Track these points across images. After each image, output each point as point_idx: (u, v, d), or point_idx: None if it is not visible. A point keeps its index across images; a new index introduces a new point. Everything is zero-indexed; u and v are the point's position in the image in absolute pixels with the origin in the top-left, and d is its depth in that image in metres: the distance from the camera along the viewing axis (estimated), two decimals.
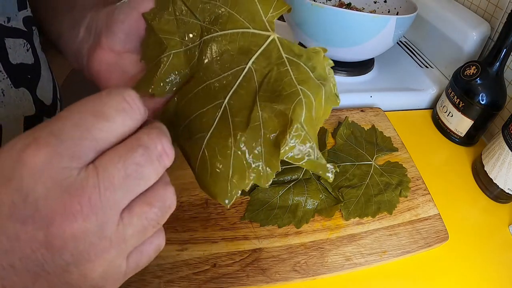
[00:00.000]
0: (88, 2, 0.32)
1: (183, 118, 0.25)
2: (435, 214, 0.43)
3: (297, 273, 0.36)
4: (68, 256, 0.15)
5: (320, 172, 0.23)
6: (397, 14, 0.69)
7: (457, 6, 0.65)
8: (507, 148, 0.43)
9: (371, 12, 0.70)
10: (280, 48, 0.24)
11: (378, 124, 0.55)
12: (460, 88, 0.53)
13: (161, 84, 0.25)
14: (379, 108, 0.59)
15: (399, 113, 0.62)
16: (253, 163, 0.22)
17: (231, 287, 0.34)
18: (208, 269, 0.35)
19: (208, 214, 0.40)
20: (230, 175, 0.22)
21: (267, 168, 0.22)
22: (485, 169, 0.48)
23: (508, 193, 0.46)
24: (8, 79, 0.28)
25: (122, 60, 0.28)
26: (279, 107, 0.22)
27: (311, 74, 0.24)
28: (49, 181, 0.14)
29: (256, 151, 0.22)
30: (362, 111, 0.58)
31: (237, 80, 0.24)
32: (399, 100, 0.64)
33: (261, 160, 0.22)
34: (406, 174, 0.46)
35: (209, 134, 0.23)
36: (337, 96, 0.25)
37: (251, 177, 0.22)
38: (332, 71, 0.25)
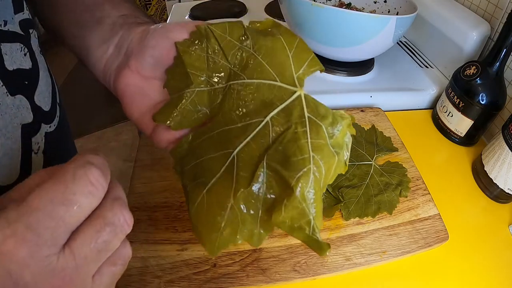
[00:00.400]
0: (118, 19, 0.31)
1: (193, 158, 0.24)
2: (435, 214, 0.43)
3: (297, 273, 0.36)
4: None
5: (314, 250, 0.21)
6: (397, 14, 0.69)
7: (457, 6, 0.65)
8: (507, 148, 0.43)
9: (371, 12, 0.70)
10: (304, 106, 0.23)
11: (378, 124, 0.55)
12: (460, 88, 0.53)
13: (180, 119, 0.25)
14: (379, 108, 0.59)
15: (399, 113, 0.62)
16: (247, 221, 0.21)
17: (231, 287, 0.34)
18: (208, 269, 0.35)
19: None
20: (222, 227, 0.21)
21: (261, 229, 0.22)
22: (485, 169, 0.48)
23: (508, 193, 0.46)
24: (4, 87, 0.27)
25: (148, 85, 0.29)
26: (284, 173, 0.21)
27: (328, 140, 0.23)
28: (35, 269, 0.16)
29: (253, 210, 0.22)
30: (362, 111, 0.58)
31: (252, 132, 0.23)
32: (399, 100, 0.64)
33: (256, 220, 0.22)
34: (406, 174, 0.46)
35: (213, 181, 0.23)
36: (346, 164, 0.24)
37: (243, 234, 0.21)
38: (351, 140, 0.24)
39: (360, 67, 0.67)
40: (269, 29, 0.26)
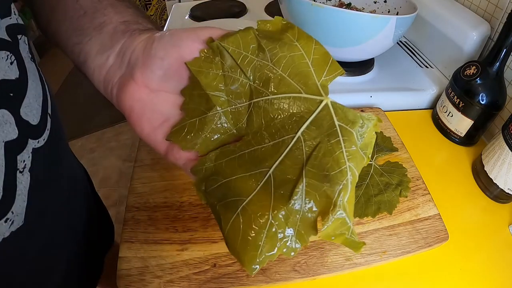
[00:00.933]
0: (120, 26, 0.29)
1: (220, 177, 0.24)
2: (435, 214, 0.43)
3: (297, 273, 0.36)
4: None
5: (352, 248, 0.22)
6: (397, 14, 0.69)
7: (457, 6, 0.65)
8: (507, 148, 0.43)
9: (371, 12, 0.70)
10: (333, 115, 0.23)
11: None
12: (460, 88, 0.53)
13: (206, 143, 0.25)
14: (379, 108, 0.59)
15: (399, 113, 0.62)
16: (285, 237, 0.22)
17: (231, 287, 0.34)
18: (208, 269, 0.35)
19: (208, 214, 0.40)
20: (261, 245, 0.21)
21: (297, 242, 0.22)
22: (485, 169, 0.48)
23: (508, 193, 0.46)
24: None
25: (157, 99, 0.26)
26: (325, 189, 0.22)
27: (359, 145, 0.23)
28: None
29: (291, 225, 0.22)
30: (362, 111, 0.58)
31: (285, 149, 0.23)
32: (399, 100, 0.64)
33: (294, 234, 0.22)
34: (406, 174, 0.46)
35: (247, 200, 0.23)
36: (369, 158, 0.24)
37: (280, 249, 0.22)
38: (375, 136, 0.24)
39: (360, 67, 0.67)
40: (282, 31, 0.24)
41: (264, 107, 0.24)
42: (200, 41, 0.25)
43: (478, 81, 0.50)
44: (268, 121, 0.24)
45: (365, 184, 0.44)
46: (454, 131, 0.56)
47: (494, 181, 0.46)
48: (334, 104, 0.23)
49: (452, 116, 0.55)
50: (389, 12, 0.71)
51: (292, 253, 0.22)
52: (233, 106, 0.25)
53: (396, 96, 0.64)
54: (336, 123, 0.23)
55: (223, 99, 0.25)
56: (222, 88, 0.25)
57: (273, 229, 0.21)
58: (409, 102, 0.65)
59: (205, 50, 0.24)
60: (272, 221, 0.21)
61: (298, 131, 0.23)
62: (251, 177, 0.23)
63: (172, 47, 0.25)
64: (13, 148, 0.27)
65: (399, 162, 0.48)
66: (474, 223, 0.45)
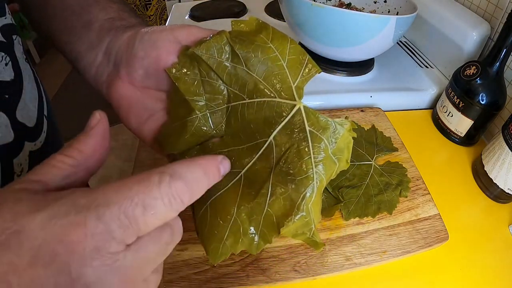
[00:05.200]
0: (105, 23, 0.30)
1: None
2: (435, 214, 0.43)
3: (297, 273, 0.36)
4: None
5: (312, 247, 0.24)
6: (397, 14, 0.69)
7: (457, 6, 0.65)
8: (507, 148, 0.43)
9: (371, 12, 0.70)
10: (305, 120, 0.23)
11: (378, 124, 0.55)
12: (460, 88, 0.53)
13: (188, 145, 0.26)
14: (379, 108, 0.59)
15: (399, 113, 0.62)
16: (249, 233, 0.23)
17: (231, 287, 0.34)
18: (208, 269, 0.35)
19: None
20: (225, 238, 0.23)
21: (261, 240, 0.23)
22: (485, 169, 0.48)
23: (508, 193, 0.46)
24: None
25: (142, 95, 0.28)
26: (290, 192, 0.22)
27: (330, 150, 0.23)
28: (98, 266, 0.15)
29: (254, 224, 0.23)
30: (362, 111, 0.58)
31: (258, 153, 0.24)
32: (399, 100, 0.64)
33: (257, 232, 0.23)
34: (406, 174, 0.46)
35: (217, 195, 0.24)
36: (348, 162, 0.24)
37: (243, 244, 0.23)
38: (352, 141, 0.24)
39: (360, 67, 0.67)
40: (256, 31, 0.24)
41: (241, 111, 0.25)
42: (177, 42, 0.26)
43: (478, 81, 0.50)
44: (244, 124, 0.25)
45: (365, 184, 0.44)
46: (454, 131, 0.56)
47: (494, 181, 0.46)
48: (306, 109, 0.23)
49: (452, 116, 0.55)
50: (389, 12, 0.71)
51: (255, 250, 0.23)
52: (212, 110, 0.26)
53: (396, 96, 0.64)
54: (307, 128, 0.23)
55: (202, 103, 0.25)
56: (201, 92, 0.25)
57: (237, 225, 0.23)
58: (409, 102, 0.65)
59: (182, 55, 0.25)
60: (236, 217, 0.23)
61: (270, 135, 0.24)
62: (227, 174, 0.24)
63: (150, 48, 0.26)
64: (10, 152, 0.27)
65: (399, 162, 0.48)
66: (474, 223, 0.45)
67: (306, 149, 0.23)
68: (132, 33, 0.28)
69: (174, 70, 0.25)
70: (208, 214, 0.24)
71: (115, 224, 0.15)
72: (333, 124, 0.23)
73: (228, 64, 0.24)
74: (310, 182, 0.22)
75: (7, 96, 0.28)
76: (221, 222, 0.23)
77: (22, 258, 0.14)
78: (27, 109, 0.30)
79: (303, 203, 0.22)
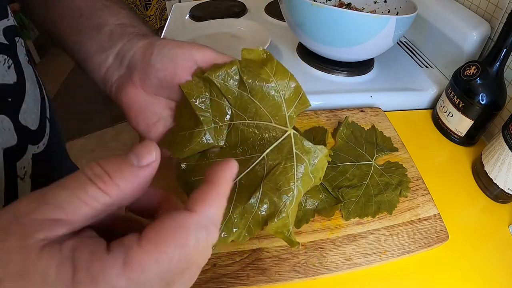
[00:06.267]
0: (116, 28, 0.31)
1: (198, 174, 0.30)
2: (435, 214, 0.43)
3: (297, 273, 0.36)
4: None
5: (288, 244, 0.28)
6: (397, 14, 0.69)
7: (457, 6, 0.65)
8: (507, 148, 0.43)
9: (371, 12, 0.70)
10: (293, 144, 0.29)
11: (378, 124, 0.55)
12: (460, 88, 0.53)
13: (192, 152, 0.30)
14: (379, 108, 0.59)
15: (399, 113, 0.62)
16: (239, 227, 0.27)
17: (231, 287, 0.34)
18: (208, 269, 0.35)
19: None
20: (220, 231, 0.27)
21: (246, 233, 0.28)
22: (485, 169, 0.48)
23: (508, 193, 0.46)
24: None
25: (153, 101, 0.30)
26: (275, 199, 0.27)
27: (309, 169, 0.28)
28: None
29: (244, 221, 0.28)
30: (362, 111, 0.58)
31: (252, 164, 0.29)
32: (399, 100, 0.64)
33: (245, 227, 0.28)
34: (406, 174, 0.46)
35: None
36: (321, 179, 0.30)
37: (233, 235, 0.27)
38: (326, 164, 0.29)
39: (360, 67, 0.67)
40: (262, 63, 0.29)
41: (241, 129, 0.30)
42: (193, 61, 0.28)
43: (478, 81, 0.50)
44: (243, 139, 0.30)
45: (365, 184, 0.44)
46: (454, 131, 0.56)
47: (494, 181, 0.46)
48: (295, 135, 0.29)
49: (452, 116, 0.55)
50: (389, 12, 0.71)
51: (242, 240, 0.28)
52: (216, 125, 0.30)
53: (396, 96, 0.64)
54: (294, 151, 0.28)
55: (208, 118, 0.30)
56: (208, 109, 0.30)
57: (230, 221, 0.27)
58: (409, 102, 0.65)
59: (197, 77, 0.29)
60: (231, 215, 0.27)
61: (264, 152, 0.29)
62: None
63: (168, 62, 0.28)
64: (13, 156, 0.27)
65: (399, 162, 0.48)
66: (474, 223, 0.45)
67: (292, 167, 0.28)
68: (148, 41, 0.30)
69: (188, 88, 0.29)
70: None
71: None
72: (315, 149, 0.28)
73: (235, 91, 0.29)
74: (291, 193, 0.28)
75: (10, 99, 0.28)
76: None
77: None
78: (30, 111, 0.30)
79: (284, 208, 0.27)
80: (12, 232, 0.14)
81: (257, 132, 0.29)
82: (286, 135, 0.29)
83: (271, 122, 0.29)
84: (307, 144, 0.29)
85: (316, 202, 0.42)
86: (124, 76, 0.30)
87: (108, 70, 0.30)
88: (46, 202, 0.15)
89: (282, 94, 0.29)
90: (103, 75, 0.31)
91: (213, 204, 0.17)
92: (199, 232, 0.16)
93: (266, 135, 0.29)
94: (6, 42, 0.28)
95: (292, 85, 0.29)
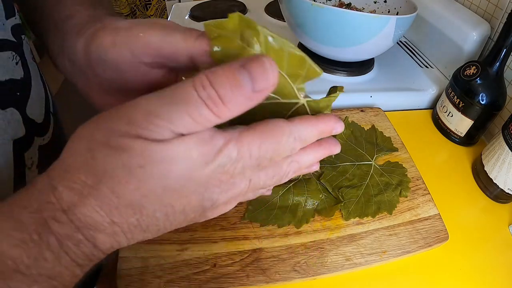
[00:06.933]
0: (61, 24, 0.27)
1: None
2: (435, 214, 0.43)
3: (297, 273, 0.36)
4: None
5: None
6: (397, 14, 0.69)
7: (457, 6, 0.65)
8: (507, 148, 0.43)
9: (371, 12, 0.70)
10: (308, 111, 0.26)
11: (378, 124, 0.55)
12: (460, 88, 0.53)
13: None
14: (379, 108, 0.59)
15: (399, 113, 0.62)
16: None
17: (231, 287, 0.34)
18: (208, 269, 0.35)
19: None
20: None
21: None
22: (485, 169, 0.48)
23: (508, 193, 0.46)
24: None
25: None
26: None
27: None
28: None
29: None
30: (362, 111, 0.58)
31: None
32: (399, 100, 0.64)
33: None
34: (406, 174, 0.46)
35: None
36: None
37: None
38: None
39: (360, 67, 0.67)
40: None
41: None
42: (137, 59, 0.24)
43: (478, 81, 0.50)
44: (251, 114, 0.25)
45: (365, 184, 0.44)
46: (454, 131, 0.56)
47: (494, 181, 0.46)
48: (309, 103, 0.25)
49: (452, 116, 0.55)
50: (389, 12, 0.71)
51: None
52: None
53: (396, 96, 0.64)
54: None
55: None
56: None
57: None
58: (409, 102, 0.65)
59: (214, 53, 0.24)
60: None
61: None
62: None
63: (112, 72, 0.25)
64: (21, 146, 0.29)
65: (399, 162, 0.48)
66: (474, 223, 0.45)
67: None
68: (84, 42, 0.24)
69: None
70: None
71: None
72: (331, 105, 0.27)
73: None
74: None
75: (18, 94, 0.29)
76: None
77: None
78: (36, 106, 0.31)
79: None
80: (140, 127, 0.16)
81: (267, 108, 0.24)
82: (298, 105, 0.25)
83: (279, 99, 0.24)
84: (322, 102, 0.26)
85: (316, 202, 0.42)
86: (83, 82, 0.27)
87: (70, 75, 0.28)
88: (157, 115, 0.16)
89: (283, 70, 0.24)
90: (72, 81, 0.29)
91: (308, 128, 0.22)
92: (289, 137, 0.20)
93: (277, 109, 0.25)
94: (14, 39, 0.29)
95: (295, 60, 0.23)
